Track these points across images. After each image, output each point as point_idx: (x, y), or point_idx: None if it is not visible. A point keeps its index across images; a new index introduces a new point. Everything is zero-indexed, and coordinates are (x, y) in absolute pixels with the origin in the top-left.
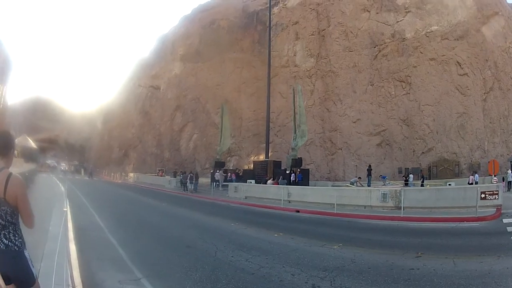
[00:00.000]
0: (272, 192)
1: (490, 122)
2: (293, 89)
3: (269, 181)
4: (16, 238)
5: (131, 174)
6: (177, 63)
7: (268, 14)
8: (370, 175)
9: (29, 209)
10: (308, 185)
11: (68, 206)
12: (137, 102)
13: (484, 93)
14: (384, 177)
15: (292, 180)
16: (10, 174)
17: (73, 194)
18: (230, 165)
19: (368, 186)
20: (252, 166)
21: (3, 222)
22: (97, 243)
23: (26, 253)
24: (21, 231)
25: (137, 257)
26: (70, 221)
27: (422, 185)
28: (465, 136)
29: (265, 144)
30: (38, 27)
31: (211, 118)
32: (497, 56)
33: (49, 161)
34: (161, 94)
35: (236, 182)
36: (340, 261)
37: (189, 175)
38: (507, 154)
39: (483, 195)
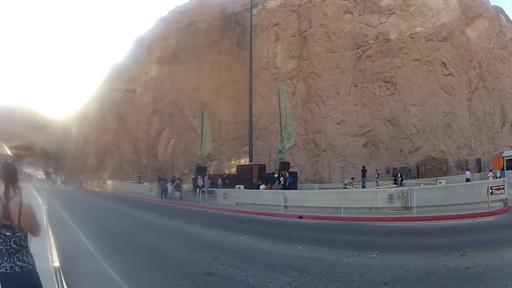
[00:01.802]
0: (267, 198)
1: (476, 120)
2: (278, 91)
3: (261, 186)
4: (29, 258)
5: (109, 182)
6: (154, 66)
7: (250, 14)
8: (365, 176)
9: (39, 227)
10: (297, 189)
11: (48, 226)
12: (112, 106)
13: (469, 92)
14: (377, 174)
15: (282, 184)
16: (22, 202)
17: (51, 206)
18: (211, 170)
19: (363, 187)
20: (232, 170)
21: (16, 247)
22: (94, 280)
23: (37, 270)
24: (30, 251)
25: None
26: (54, 246)
27: (401, 184)
28: (452, 135)
29: (246, 148)
30: (7, 31)
31: (189, 122)
32: (481, 56)
33: (28, 170)
34: (137, 98)
35: (222, 187)
36: (393, 271)
37: (175, 182)
38: (494, 151)
39: (490, 190)
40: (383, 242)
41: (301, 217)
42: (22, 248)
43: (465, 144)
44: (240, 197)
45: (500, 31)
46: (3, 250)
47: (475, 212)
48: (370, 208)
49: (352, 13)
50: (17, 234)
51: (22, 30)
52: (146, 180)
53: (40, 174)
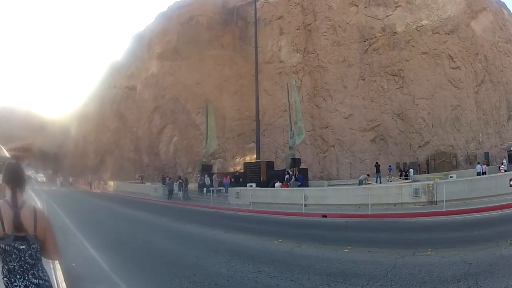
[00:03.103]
0: (284, 196)
1: (483, 114)
2: (287, 85)
3: (277, 184)
4: (44, 274)
5: (111, 183)
6: (154, 61)
7: (252, 8)
8: (379, 172)
9: (56, 240)
10: (308, 186)
11: None
12: (112, 104)
13: (476, 85)
14: (390, 169)
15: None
16: (35, 208)
17: (52, 211)
18: (215, 168)
19: (378, 182)
20: (238, 168)
21: (32, 262)
22: None
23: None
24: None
25: None
26: (58, 264)
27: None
28: (460, 129)
29: (251, 145)
30: (4, 30)
31: (191, 118)
32: (487, 50)
33: (28, 172)
34: (137, 95)
35: (228, 186)
36: (457, 267)
37: (178, 181)
38: (501, 145)
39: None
40: (428, 238)
41: (325, 216)
42: (38, 262)
43: (473, 138)
44: (254, 196)
45: (504, 25)
46: (16, 267)
47: (501, 204)
48: (395, 204)
49: (357, 6)
50: (33, 246)
51: (19, 29)
52: (148, 179)
53: (40, 176)
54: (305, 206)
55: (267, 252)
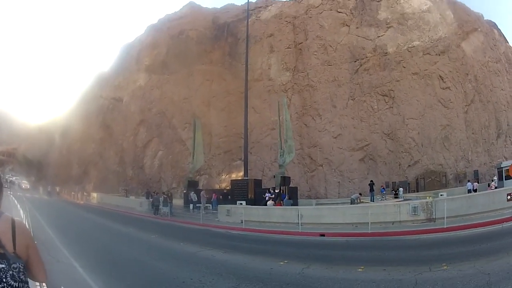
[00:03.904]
0: (278, 215)
1: (473, 133)
2: (278, 102)
3: (269, 202)
4: None
5: (94, 194)
6: (142, 74)
7: (242, 25)
8: (373, 190)
9: (41, 259)
10: (297, 205)
11: None
12: (98, 114)
13: (466, 105)
14: (383, 190)
15: (291, 200)
16: (13, 220)
17: (35, 222)
18: (200, 185)
19: (372, 201)
20: (223, 185)
21: (15, 284)
22: None
23: None
24: None
25: None
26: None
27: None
28: (450, 148)
29: (237, 162)
30: None
31: (177, 134)
32: (477, 70)
33: (13, 178)
34: (123, 106)
35: (216, 204)
36: (477, 279)
37: (163, 197)
38: (490, 163)
39: (509, 197)
40: (438, 254)
41: (323, 235)
42: (23, 285)
43: (462, 156)
44: (246, 214)
45: (494, 45)
46: None
47: (499, 218)
48: (393, 222)
49: (349, 26)
50: (14, 266)
51: (7, 35)
52: (132, 193)
53: (24, 183)
54: (300, 225)
55: (276, 275)
